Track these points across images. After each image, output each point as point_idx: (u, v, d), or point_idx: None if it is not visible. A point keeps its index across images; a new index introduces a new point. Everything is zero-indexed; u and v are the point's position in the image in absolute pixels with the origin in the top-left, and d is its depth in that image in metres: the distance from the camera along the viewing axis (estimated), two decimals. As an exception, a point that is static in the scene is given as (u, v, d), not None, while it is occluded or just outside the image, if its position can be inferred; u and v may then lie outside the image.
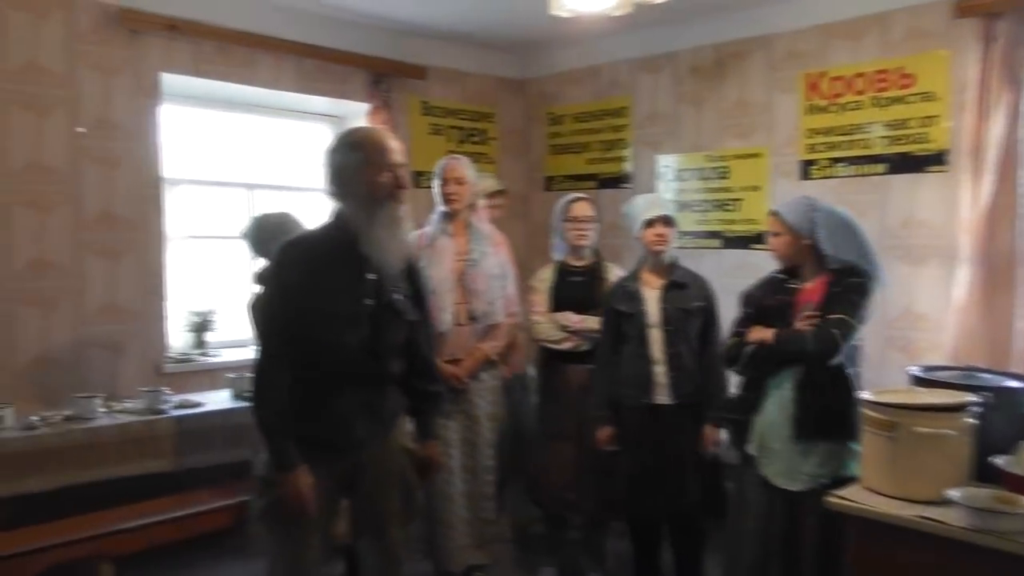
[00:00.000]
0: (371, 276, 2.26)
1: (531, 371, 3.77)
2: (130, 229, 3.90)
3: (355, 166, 2.22)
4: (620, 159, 5.13)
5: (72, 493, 3.22)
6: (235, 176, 4.60)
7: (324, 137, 4.98)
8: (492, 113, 5.45)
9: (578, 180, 5.31)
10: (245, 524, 3.45)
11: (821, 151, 4.26)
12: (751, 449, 2.86)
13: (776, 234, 2.86)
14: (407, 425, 2.50)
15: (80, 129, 3.72)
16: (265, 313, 2.32)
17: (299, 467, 2.17)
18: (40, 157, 3.63)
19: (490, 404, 3.41)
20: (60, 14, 3.68)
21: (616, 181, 5.14)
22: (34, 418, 3.26)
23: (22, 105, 3.58)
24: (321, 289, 2.20)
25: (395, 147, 2.28)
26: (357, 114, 4.78)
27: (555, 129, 5.49)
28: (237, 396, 3.80)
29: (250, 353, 4.04)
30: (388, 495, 2.38)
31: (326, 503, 2.28)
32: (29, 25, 3.59)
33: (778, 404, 2.78)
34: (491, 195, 3.98)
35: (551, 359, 3.54)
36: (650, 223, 3.19)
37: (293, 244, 2.31)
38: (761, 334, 2.78)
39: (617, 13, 3.18)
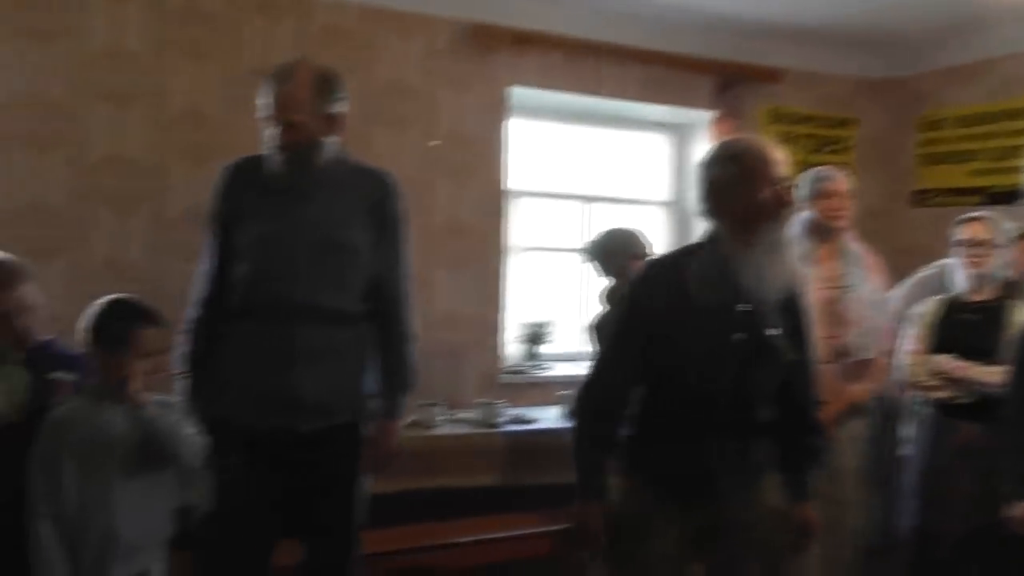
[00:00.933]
0: (744, 307, 1.94)
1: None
2: (474, 240, 3.95)
3: (733, 181, 1.93)
4: (1021, 170, 4.24)
5: (410, 499, 3.26)
6: (572, 188, 4.52)
7: (662, 148, 4.73)
8: (854, 119, 4.82)
9: (958, 194, 4.50)
10: (561, 555, 3.28)
11: None
12: None
13: None
14: (778, 482, 2.12)
15: (434, 143, 3.83)
16: (611, 332, 2.12)
17: (597, 501, 2.01)
18: (396, 170, 3.77)
19: (857, 456, 2.89)
20: (422, 33, 3.82)
21: (1012, 196, 4.26)
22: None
23: (384, 122, 3.74)
24: (685, 318, 1.94)
25: (779, 160, 1.95)
26: (700, 123, 4.47)
27: (931, 135, 4.70)
28: (567, 414, 3.68)
29: (584, 369, 3.97)
30: (750, 563, 2.04)
31: (676, 563, 2.01)
32: (396, 46, 3.77)
33: None
34: None
35: (935, 408, 2.94)
36: None
37: (657, 264, 2.09)
38: None
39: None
